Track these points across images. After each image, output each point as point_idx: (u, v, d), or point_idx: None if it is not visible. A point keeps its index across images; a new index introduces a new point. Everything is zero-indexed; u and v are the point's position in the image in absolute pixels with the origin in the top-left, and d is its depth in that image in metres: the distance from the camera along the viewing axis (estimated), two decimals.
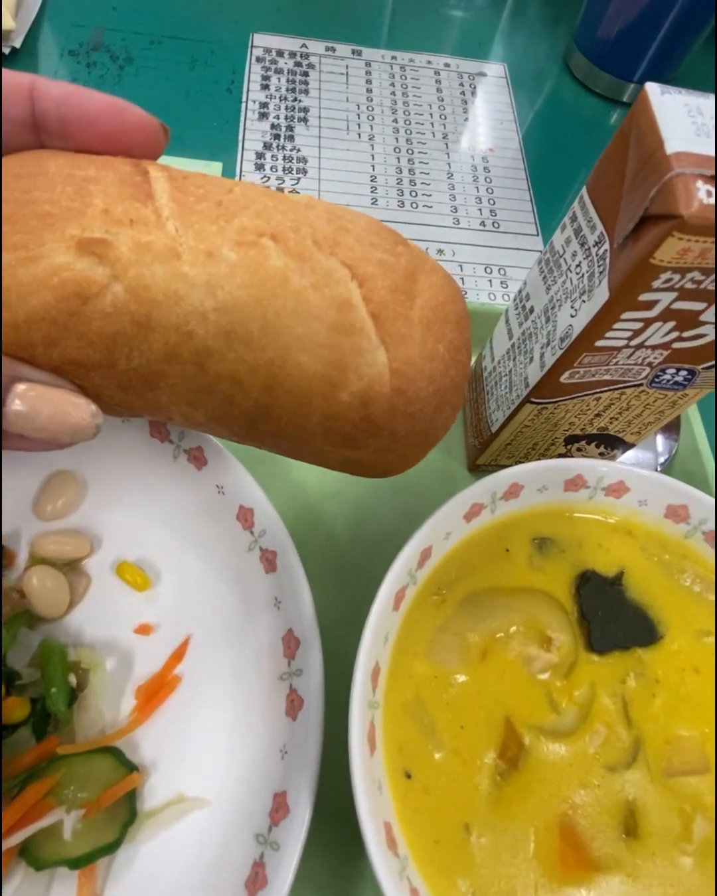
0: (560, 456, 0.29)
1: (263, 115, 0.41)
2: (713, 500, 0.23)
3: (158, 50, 0.43)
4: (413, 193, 0.40)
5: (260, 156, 0.40)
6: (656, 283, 0.18)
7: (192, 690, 0.23)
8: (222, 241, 0.16)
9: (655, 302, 0.19)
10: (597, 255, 0.20)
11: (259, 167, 0.39)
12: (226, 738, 0.22)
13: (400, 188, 0.40)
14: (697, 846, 0.19)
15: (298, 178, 0.39)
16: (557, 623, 0.22)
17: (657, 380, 0.23)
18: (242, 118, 0.41)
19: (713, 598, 0.23)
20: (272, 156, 0.40)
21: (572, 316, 0.21)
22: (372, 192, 0.40)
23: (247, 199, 0.17)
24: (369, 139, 0.42)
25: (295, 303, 0.16)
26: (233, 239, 0.16)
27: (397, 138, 0.42)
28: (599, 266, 0.19)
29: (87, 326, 0.16)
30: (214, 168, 0.38)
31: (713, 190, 0.16)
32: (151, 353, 0.17)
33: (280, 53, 0.45)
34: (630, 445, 0.28)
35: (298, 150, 0.40)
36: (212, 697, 0.23)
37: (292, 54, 0.45)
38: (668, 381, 0.23)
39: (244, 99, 0.42)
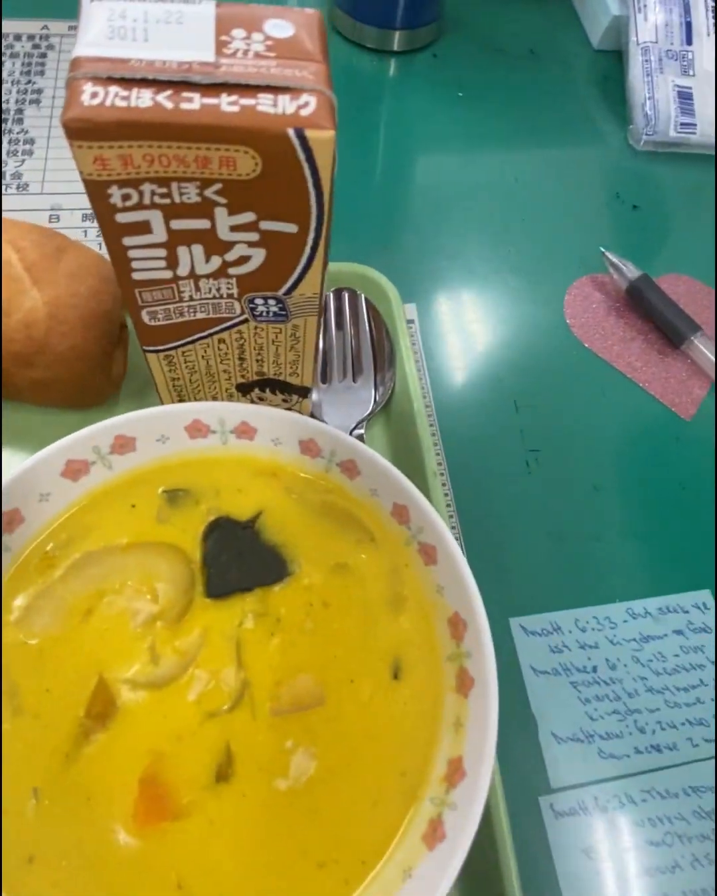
0: None
1: None
2: (333, 430, 0.22)
3: None
4: None
5: None
6: (115, 201, 0.17)
7: None
8: None
9: (144, 223, 0.17)
10: None
11: None
12: None
13: None
14: (292, 777, 0.19)
15: (24, 160, 0.38)
16: (170, 573, 0.21)
17: (256, 314, 0.22)
18: None
19: (354, 527, 0.23)
20: None
21: None
22: None
23: None
24: None
25: None
26: None
27: None
28: None
29: None
30: None
31: (102, 90, 0.15)
32: None
33: (17, 37, 0.43)
34: (302, 388, 0.27)
35: (26, 132, 0.39)
36: None
37: (31, 37, 0.44)
38: (267, 312, 0.22)
39: None
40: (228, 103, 0.15)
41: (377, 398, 0.31)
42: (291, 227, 0.18)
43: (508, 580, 0.29)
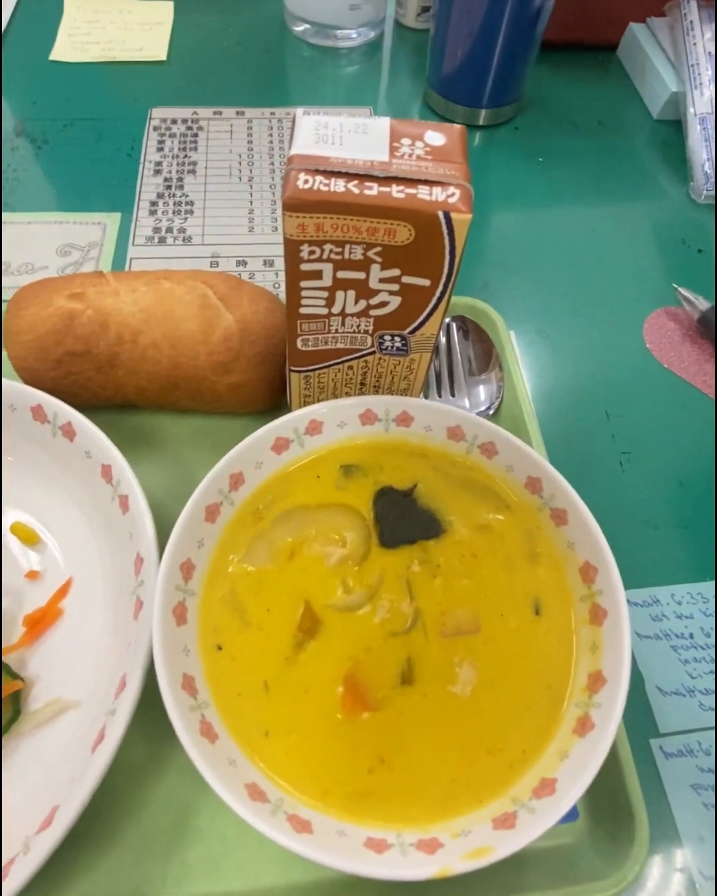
0: None
1: (157, 172, 0.49)
2: (477, 417, 0.28)
3: (70, 130, 0.52)
4: None
5: (153, 204, 0.47)
6: (303, 255, 0.22)
7: (73, 620, 0.28)
8: (139, 285, 0.33)
9: (319, 272, 0.23)
10: None
11: (153, 212, 0.46)
12: (94, 649, 0.27)
13: (274, 217, 0.47)
14: (461, 684, 0.23)
15: (186, 217, 0.46)
16: (352, 525, 0.27)
17: (383, 347, 0.27)
18: (140, 176, 0.49)
19: (492, 498, 0.28)
20: (164, 203, 0.47)
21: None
22: (249, 222, 0.47)
23: (156, 271, 0.34)
24: (249, 181, 0.49)
25: (177, 299, 0.32)
26: (144, 282, 0.33)
27: (273, 178, 0.50)
28: None
29: (75, 331, 0.31)
30: (114, 218, 0.46)
31: (311, 179, 0.21)
32: (109, 340, 0.31)
33: (174, 122, 0.53)
34: None
35: (187, 196, 0.48)
36: (88, 622, 0.28)
37: (184, 120, 0.53)
38: (390, 347, 0.27)
39: (142, 160, 0.50)
40: (397, 191, 0.21)
41: (494, 401, 0.36)
42: (426, 282, 0.24)
43: None
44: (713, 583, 0.32)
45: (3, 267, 0.43)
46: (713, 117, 0.52)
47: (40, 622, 0.27)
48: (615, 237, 0.48)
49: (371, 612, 0.25)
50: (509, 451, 0.28)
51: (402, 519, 0.27)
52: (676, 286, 0.42)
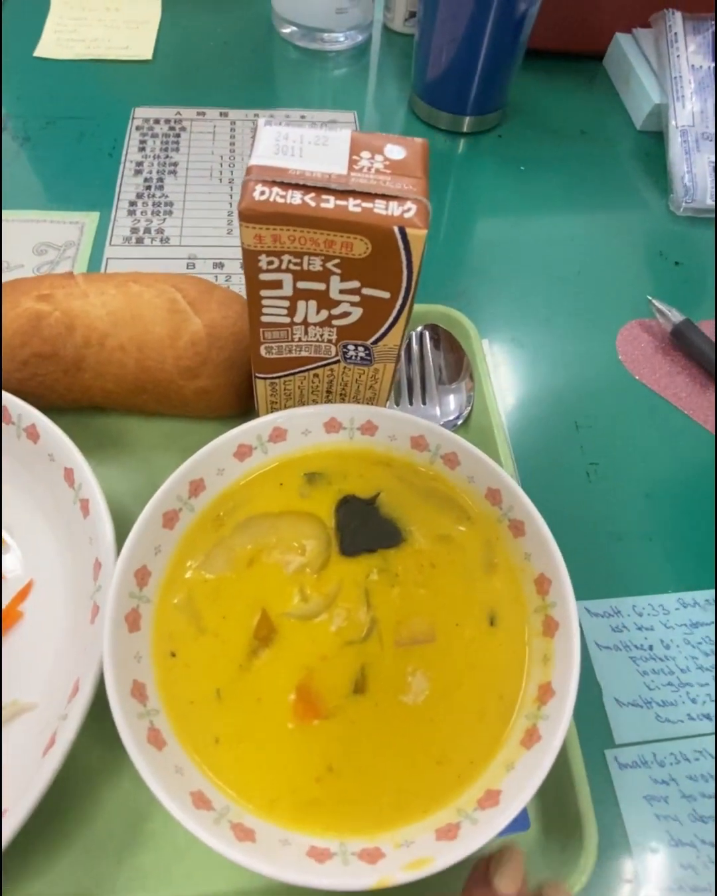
0: None
1: (137, 172, 0.49)
2: (440, 428, 0.28)
3: (52, 128, 0.51)
4: None
5: (133, 204, 0.47)
6: (261, 264, 0.22)
7: (33, 623, 0.28)
8: (108, 287, 0.32)
9: (278, 281, 0.23)
10: None
11: (131, 212, 0.46)
12: (53, 653, 0.27)
13: None
14: (413, 694, 0.24)
15: (165, 218, 0.46)
16: (313, 533, 0.27)
17: (347, 356, 0.27)
18: (120, 175, 0.49)
19: (453, 508, 0.28)
20: (143, 203, 0.47)
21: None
22: (229, 224, 0.46)
23: (126, 273, 0.34)
24: (230, 183, 0.49)
25: (146, 303, 0.32)
26: (113, 284, 0.33)
27: None
28: None
29: (41, 332, 0.31)
30: (92, 218, 0.46)
31: (267, 190, 0.21)
32: (76, 342, 0.31)
33: (157, 122, 0.53)
34: None
35: (166, 196, 0.47)
36: (47, 626, 0.28)
37: (167, 121, 0.53)
38: (354, 357, 0.27)
39: (123, 160, 0.50)
40: (353, 205, 0.21)
41: (463, 411, 0.37)
42: (385, 294, 0.24)
43: (572, 570, 0.33)
44: (675, 595, 0.33)
45: None
46: (693, 130, 0.52)
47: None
48: (593, 247, 0.48)
49: (328, 621, 0.25)
50: (470, 462, 0.28)
51: (363, 527, 0.27)
52: (650, 298, 0.43)
